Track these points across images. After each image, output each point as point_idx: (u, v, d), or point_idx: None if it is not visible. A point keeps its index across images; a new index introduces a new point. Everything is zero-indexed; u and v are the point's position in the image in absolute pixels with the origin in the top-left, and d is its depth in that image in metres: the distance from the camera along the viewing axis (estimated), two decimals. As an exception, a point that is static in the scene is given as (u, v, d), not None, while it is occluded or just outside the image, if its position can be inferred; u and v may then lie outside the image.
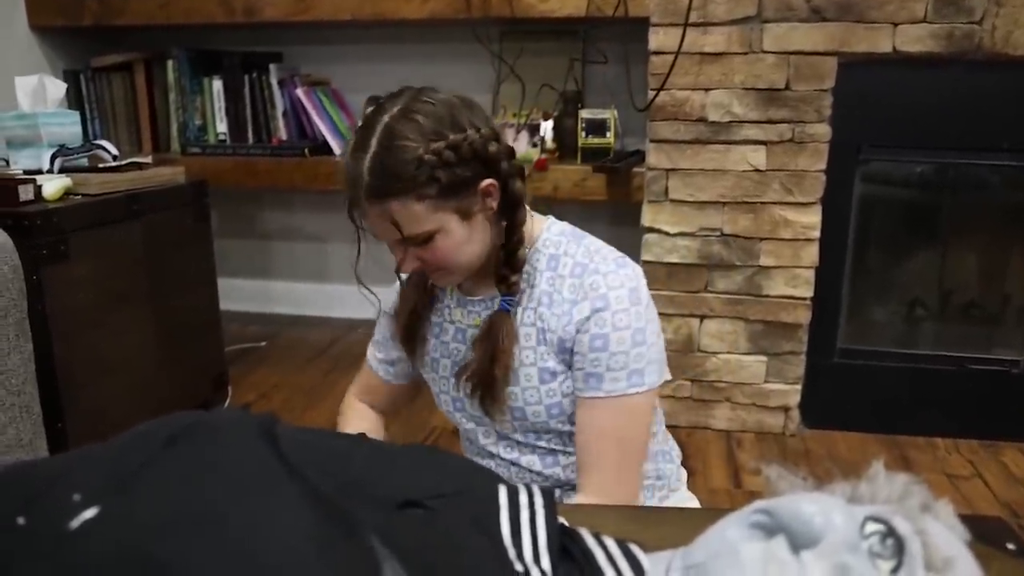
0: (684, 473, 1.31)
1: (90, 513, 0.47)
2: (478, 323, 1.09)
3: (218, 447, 0.51)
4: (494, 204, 1.02)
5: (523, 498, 0.63)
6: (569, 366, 1.05)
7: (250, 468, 0.48)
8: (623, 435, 1.05)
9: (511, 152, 1.04)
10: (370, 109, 0.99)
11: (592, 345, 1.02)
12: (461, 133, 0.97)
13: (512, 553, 0.57)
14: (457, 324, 1.14)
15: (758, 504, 0.56)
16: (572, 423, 1.08)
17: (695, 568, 0.56)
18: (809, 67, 2.13)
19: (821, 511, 0.53)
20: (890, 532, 0.52)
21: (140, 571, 0.41)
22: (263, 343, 3.08)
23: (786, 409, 2.39)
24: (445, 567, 0.51)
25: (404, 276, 1.12)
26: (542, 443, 1.12)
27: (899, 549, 0.51)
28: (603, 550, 0.61)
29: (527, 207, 1.06)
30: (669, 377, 1.10)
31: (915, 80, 2.14)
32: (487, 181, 1.00)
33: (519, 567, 0.56)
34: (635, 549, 0.61)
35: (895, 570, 0.51)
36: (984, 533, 0.57)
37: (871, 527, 0.52)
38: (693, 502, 1.29)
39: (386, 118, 0.95)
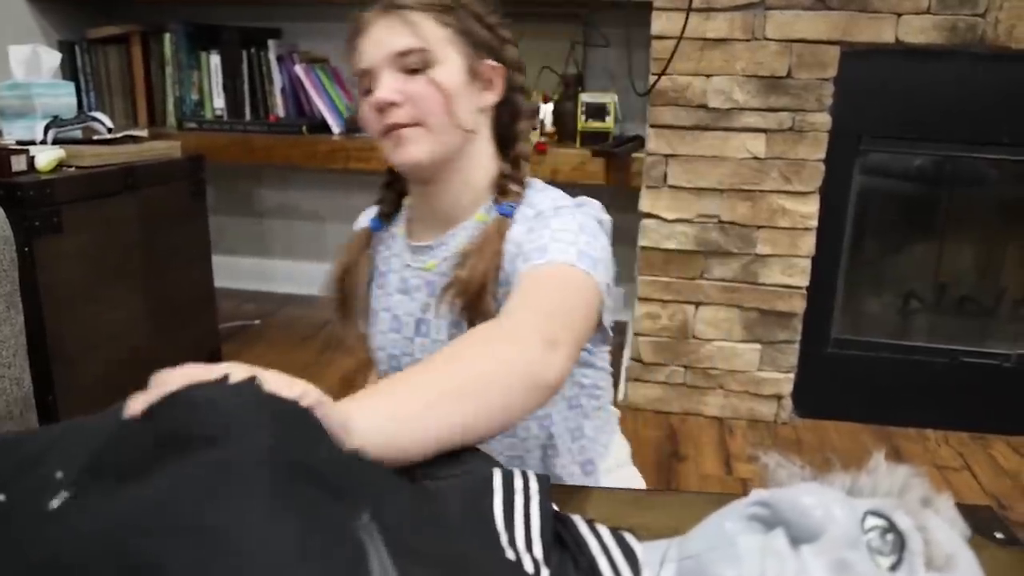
0: (628, 446, 1.25)
1: (70, 493, 0.46)
2: (432, 267, 1.05)
3: (200, 426, 0.49)
4: (495, 94, 1.01)
5: (518, 483, 0.62)
6: None
7: (233, 452, 0.46)
8: (557, 298, 0.86)
9: (522, 67, 1.04)
10: None
11: (534, 228, 0.96)
12: (495, 15, 1.00)
13: (504, 539, 0.56)
14: (400, 273, 1.09)
15: (756, 496, 0.55)
16: None
17: (691, 559, 0.55)
18: (811, 55, 2.12)
19: (821, 504, 0.52)
20: (891, 527, 0.51)
21: (116, 560, 0.40)
22: (257, 321, 3.07)
23: (779, 398, 2.40)
24: (433, 552, 0.49)
25: (373, 114, 0.98)
26: None
27: (900, 545, 0.50)
28: (596, 538, 0.60)
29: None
30: (612, 337, 1.03)
31: (917, 71, 2.14)
32: (497, 63, 1.00)
33: (511, 554, 0.55)
34: (629, 538, 0.60)
35: (895, 566, 0.50)
36: (972, 522, 0.57)
37: (871, 522, 0.51)
38: (639, 480, 1.24)
39: None
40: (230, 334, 2.78)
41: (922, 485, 0.55)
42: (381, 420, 0.61)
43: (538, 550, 0.56)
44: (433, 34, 0.95)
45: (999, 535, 0.72)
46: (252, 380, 0.54)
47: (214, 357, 2.40)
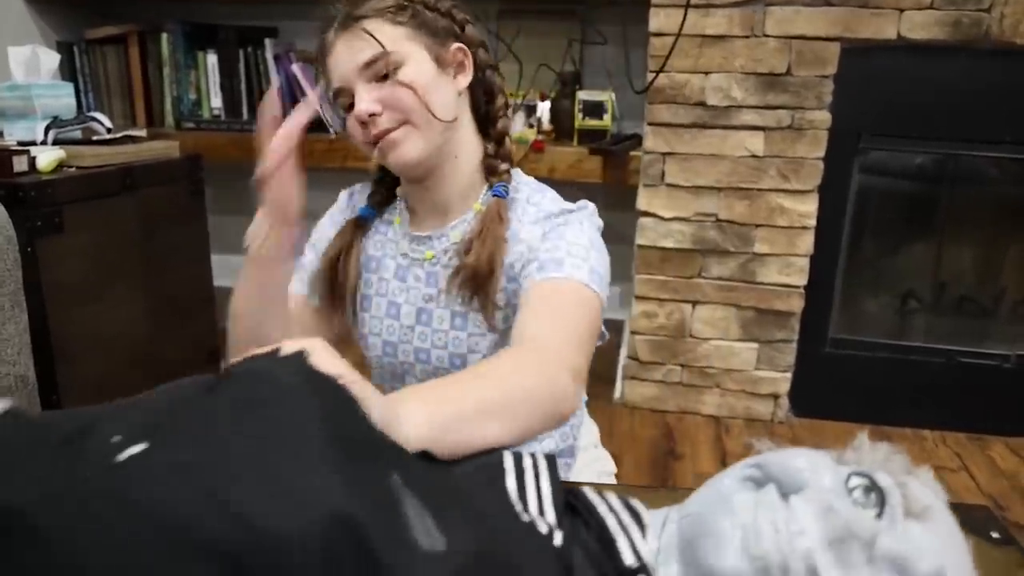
0: (596, 429, 1.31)
1: (137, 448, 0.49)
2: (430, 257, 1.07)
3: (255, 391, 0.54)
4: (466, 77, 1.03)
5: (527, 462, 0.67)
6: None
7: (286, 412, 0.51)
8: (578, 322, 0.92)
9: (485, 44, 1.06)
10: None
11: (548, 236, 1.00)
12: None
13: (519, 507, 0.61)
14: (397, 260, 1.10)
15: (750, 459, 0.60)
16: None
17: (690, 517, 0.60)
18: (811, 52, 2.13)
19: (809, 465, 0.57)
20: (873, 486, 0.55)
21: (189, 504, 0.44)
22: (255, 320, 3.06)
23: (775, 397, 2.40)
24: (457, 508, 0.54)
25: (355, 126, 0.99)
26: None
27: (881, 500, 0.55)
28: (605, 503, 0.65)
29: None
30: (607, 336, 1.05)
31: (919, 68, 2.13)
32: (459, 45, 1.01)
33: (525, 518, 0.59)
34: (635, 502, 0.65)
35: (877, 516, 0.54)
36: (969, 521, 0.59)
37: (855, 481, 0.56)
38: (609, 461, 1.29)
39: None
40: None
41: (903, 459, 0.59)
42: (422, 419, 0.67)
43: (551, 516, 0.61)
44: (391, 36, 0.96)
45: (995, 535, 0.74)
46: (301, 353, 0.59)
47: (213, 356, 2.41)
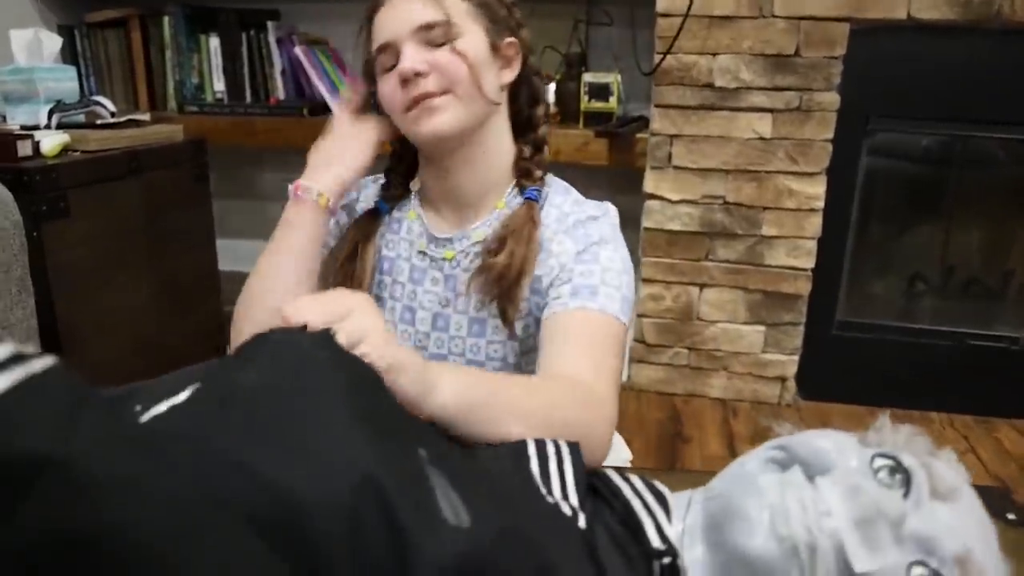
0: None
1: (161, 408, 0.50)
2: (451, 256, 1.04)
3: (284, 363, 0.54)
4: (512, 72, 1.01)
5: (550, 448, 0.67)
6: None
7: (314, 385, 0.52)
8: (613, 363, 0.92)
9: (534, 51, 1.05)
10: None
11: (582, 259, 0.98)
12: None
13: (543, 490, 0.61)
14: (412, 262, 1.06)
15: (774, 441, 0.61)
16: None
17: (716, 499, 0.61)
18: (820, 33, 2.11)
19: (835, 446, 0.58)
20: (898, 466, 0.56)
21: (210, 467, 0.45)
22: (259, 305, 3.06)
23: (783, 380, 2.40)
24: (481, 485, 0.54)
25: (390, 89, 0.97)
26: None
27: (906, 481, 0.55)
28: (629, 485, 0.66)
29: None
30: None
31: (928, 49, 2.11)
32: (513, 40, 1.00)
33: (550, 500, 0.60)
34: (659, 484, 0.66)
35: (904, 497, 0.54)
36: (985, 502, 0.59)
37: (880, 462, 0.56)
38: (624, 449, 1.28)
39: None
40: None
41: (925, 440, 0.60)
42: (452, 393, 0.69)
43: (574, 498, 0.61)
44: (455, 7, 0.94)
45: (1011, 516, 0.74)
46: (327, 331, 0.60)
47: (218, 340, 2.41)
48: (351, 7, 3.17)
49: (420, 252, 1.06)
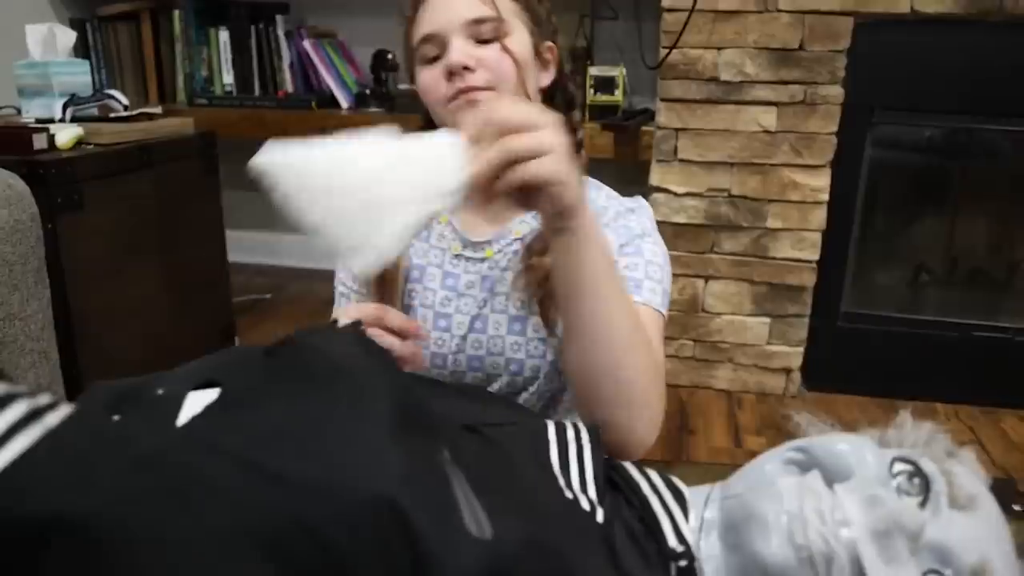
0: None
1: (196, 410, 0.50)
2: (490, 254, 1.04)
3: (314, 364, 0.54)
4: (548, 76, 1.02)
5: (570, 433, 0.67)
6: None
7: (342, 387, 0.52)
8: (658, 357, 0.92)
9: (565, 58, 1.07)
10: None
11: (626, 251, 0.98)
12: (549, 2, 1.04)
13: (561, 482, 0.61)
14: (444, 268, 1.06)
15: (794, 443, 0.61)
16: None
17: (734, 499, 0.60)
18: (824, 27, 2.11)
19: (854, 449, 0.57)
20: (917, 471, 0.55)
21: (249, 475, 0.45)
22: (268, 295, 3.10)
23: (788, 371, 2.41)
24: (503, 487, 0.54)
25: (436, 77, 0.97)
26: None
27: (925, 487, 0.55)
28: (647, 480, 0.65)
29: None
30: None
31: (932, 42, 2.12)
32: (551, 44, 1.02)
33: (568, 494, 0.59)
34: (677, 481, 0.66)
35: (921, 505, 0.54)
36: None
37: (899, 467, 0.56)
38: None
39: None
40: (242, 308, 2.79)
41: (945, 440, 0.59)
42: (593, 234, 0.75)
43: (592, 492, 0.61)
44: (504, 5, 0.95)
45: (1016, 507, 0.74)
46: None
47: (227, 331, 2.43)
48: (359, 1, 3.20)
49: (455, 256, 1.06)
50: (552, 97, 1.06)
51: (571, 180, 0.69)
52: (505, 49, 0.94)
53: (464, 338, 1.04)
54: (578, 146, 1.05)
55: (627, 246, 0.98)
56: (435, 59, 0.95)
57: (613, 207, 1.03)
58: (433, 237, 1.08)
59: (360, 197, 0.65)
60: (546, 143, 0.66)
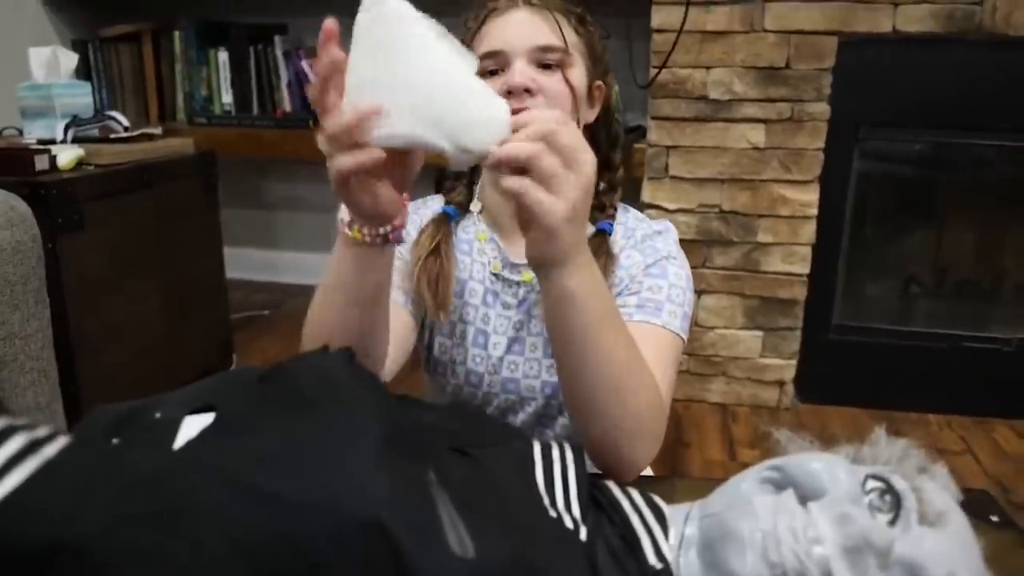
0: None
1: (192, 433, 0.52)
2: (528, 279, 1.03)
3: (305, 388, 0.57)
4: (593, 112, 1.04)
5: (555, 453, 0.68)
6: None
7: (332, 410, 0.54)
8: (670, 380, 0.92)
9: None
10: None
11: (651, 272, 0.99)
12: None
13: (546, 501, 0.62)
14: (485, 284, 1.05)
15: (770, 462, 0.62)
16: None
17: (711, 517, 0.62)
18: (809, 46, 2.16)
19: (827, 468, 0.59)
20: (888, 489, 0.57)
21: (243, 496, 0.47)
22: (267, 311, 3.12)
23: (781, 384, 2.43)
24: (488, 507, 0.56)
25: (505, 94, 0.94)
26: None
27: (896, 504, 0.57)
28: (628, 499, 0.67)
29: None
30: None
31: (914, 60, 2.16)
32: (600, 83, 1.04)
33: (552, 513, 0.61)
34: (658, 499, 0.67)
35: (892, 521, 0.56)
36: (970, 506, 0.61)
37: (871, 484, 0.58)
38: None
39: None
40: (240, 324, 2.82)
41: (919, 456, 0.61)
42: (578, 266, 0.73)
43: (576, 510, 0.63)
44: (571, 38, 0.97)
45: (994, 518, 0.77)
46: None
47: (225, 347, 2.46)
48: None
49: (494, 274, 1.06)
50: (595, 134, 1.07)
51: (563, 234, 0.67)
52: (566, 80, 0.96)
53: (501, 359, 1.05)
54: (615, 184, 1.08)
55: (653, 267, 1.00)
56: (492, 73, 0.97)
57: (642, 229, 1.05)
58: (474, 251, 1.07)
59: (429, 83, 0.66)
60: (565, 186, 0.66)
